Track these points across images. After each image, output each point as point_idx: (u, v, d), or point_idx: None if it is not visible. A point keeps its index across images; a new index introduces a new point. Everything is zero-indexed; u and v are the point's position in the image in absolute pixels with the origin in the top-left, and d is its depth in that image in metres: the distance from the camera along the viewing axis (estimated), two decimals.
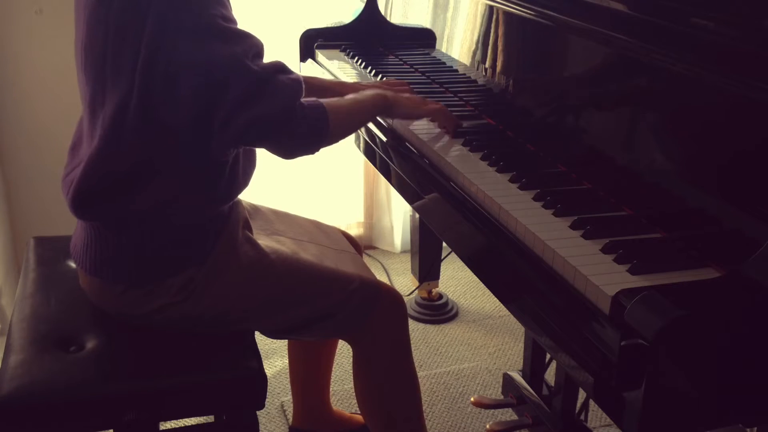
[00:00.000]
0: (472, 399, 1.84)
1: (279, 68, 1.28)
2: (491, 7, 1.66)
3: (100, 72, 1.27)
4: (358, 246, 1.76)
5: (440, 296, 2.59)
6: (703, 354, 0.89)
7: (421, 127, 1.56)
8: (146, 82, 1.23)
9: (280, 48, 2.49)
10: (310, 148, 1.36)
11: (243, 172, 1.40)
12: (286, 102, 1.28)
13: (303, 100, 1.31)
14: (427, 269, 2.50)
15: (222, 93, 1.23)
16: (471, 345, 2.39)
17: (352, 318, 1.50)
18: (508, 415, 2.04)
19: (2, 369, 1.29)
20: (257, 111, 1.25)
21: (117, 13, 1.23)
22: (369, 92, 1.48)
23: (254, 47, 1.26)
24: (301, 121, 1.30)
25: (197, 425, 1.68)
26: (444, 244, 2.46)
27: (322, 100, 1.35)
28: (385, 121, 1.65)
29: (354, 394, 1.64)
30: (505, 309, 1.93)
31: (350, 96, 1.47)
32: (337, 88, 1.69)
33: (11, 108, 2.34)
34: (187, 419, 1.76)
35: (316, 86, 1.67)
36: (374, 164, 1.75)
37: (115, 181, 1.31)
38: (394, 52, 2.07)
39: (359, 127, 1.46)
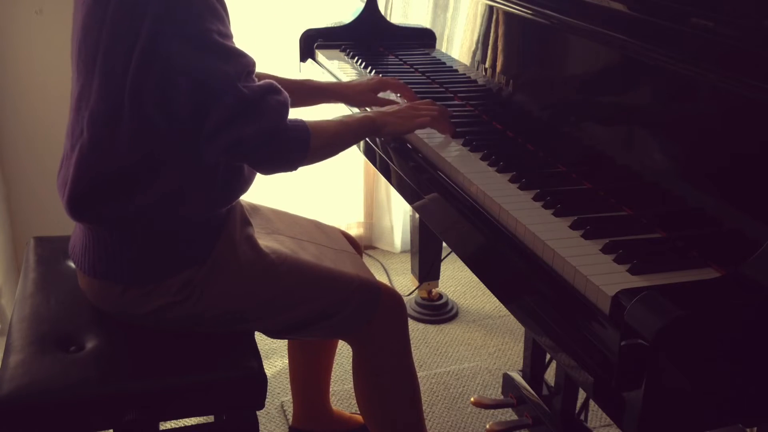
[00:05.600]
0: (472, 399, 1.84)
1: (268, 89, 1.29)
2: (491, 7, 1.66)
3: (91, 70, 1.28)
4: (358, 246, 1.76)
5: (440, 296, 2.59)
6: (703, 354, 0.89)
7: None
8: (138, 86, 1.23)
9: (280, 48, 2.49)
10: (289, 167, 1.37)
11: (247, 175, 1.40)
12: (271, 125, 1.29)
13: (288, 120, 1.32)
14: (427, 269, 2.50)
15: (209, 109, 1.24)
16: (471, 345, 2.39)
17: (352, 318, 1.50)
18: (508, 415, 2.04)
19: (2, 369, 1.29)
20: (241, 132, 1.26)
21: (113, 13, 1.23)
22: (357, 115, 1.49)
23: (246, 66, 1.27)
24: (283, 143, 1.32)
25: (197, 425, 1.68)
26: (444, 244, 2.46)
27: (308, 121, 1.36)
28: None
29: (354, 394, 1.64)
30: (505, 309, 1.93)
31: (338, 118, 1.48)
32: (334, 88, 1.69)
33: (11, 108, 2.34)
34: (187, 419, 1.76)
35: (313, 89, 1.67)
36: (374, 164, 1.75)
37: (109, 182, 1.31)
38: (394, 52, 2.07)
39: (343, 149, 1.47)
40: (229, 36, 1.27)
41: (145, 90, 1.24)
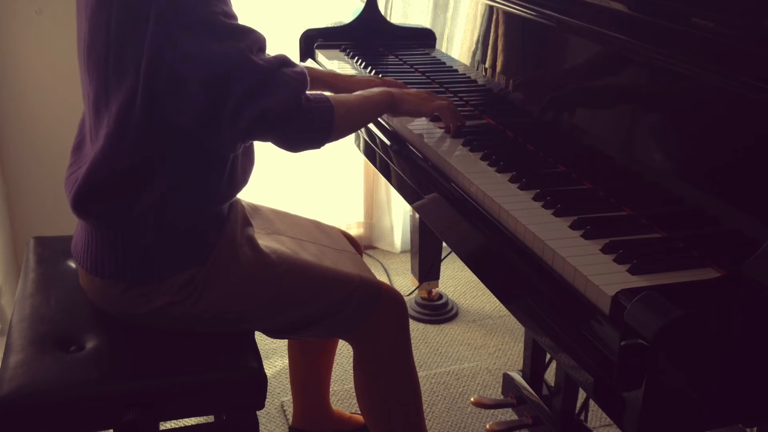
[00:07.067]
0: (472, 399, 1.84)
1: (283, 61, 1.29)
2: (491, 7, 1.66)
3: (103, 73, 1.27)
4: (358, 246, 1.76)
5: (440, 296, 2.59)
6: (703, 354, 0.89)
7: (421, 127, 1.56)
8: (151, 82, 1.23)
9: (280, 48, 2.48)
10: (317, 142, 1.36)
11: (242, 170, 1.40)
12: (292, 94, 1.28)
13: (309, 93, 1.32)
14: (427, 269, 2.50)
15: (228, 88, 1.24)
16: (471, 345, 2.39)
17: (352, 318, 1.50)
18: (508, 415, 2.04)
19: (2, 369, 1.29)
20: (264, 104, 1.25)
21: (118, 13, 1.23)
22: (376, 89, 1.49)
23: (257, 42, 1.27)
24: (307, 114, 1.31)
25: (197, 425, 1.68)
26: (444, 244, 2.46)
27: (329, 95, 1.36)
28: (385, 120, 1.65)
29: (354, 394, 1.64)
30: (505, 309, 1.94)
31: (357, 92, 1.48)
32: (332, 80, 1.69)
33: (11, 108, 2.34)
34: (187, 419, 1.76)
35: (314, 78, 1.67)
36: (374, 164, 1.75)
37: (115, 181, 1.31)
38: (394, 52, 2.07)
39: (365, 124, 1.46)
40: (233, 16, 1.27)
41: (158, 84, 1.23)
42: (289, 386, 1.99)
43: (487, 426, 1.75)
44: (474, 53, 1.75)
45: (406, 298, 1.65)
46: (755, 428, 1.41)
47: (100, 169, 1.30)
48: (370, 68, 1.94)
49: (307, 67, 1.67)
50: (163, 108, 1.25)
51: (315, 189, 2.80)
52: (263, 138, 1.34)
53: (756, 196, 1.01)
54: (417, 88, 1.74)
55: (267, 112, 1.26)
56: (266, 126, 1.28)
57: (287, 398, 2.09)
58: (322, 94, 1.35)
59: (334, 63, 2.02)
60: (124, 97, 1.25)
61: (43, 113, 2.36)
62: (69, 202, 1.35)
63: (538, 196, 1.25)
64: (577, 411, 1.71)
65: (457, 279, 2.77)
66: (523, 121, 1.54)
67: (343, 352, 2.21)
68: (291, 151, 1.37)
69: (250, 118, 1.26)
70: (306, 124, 1.32)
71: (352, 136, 1.74)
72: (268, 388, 1.86)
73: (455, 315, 2.55)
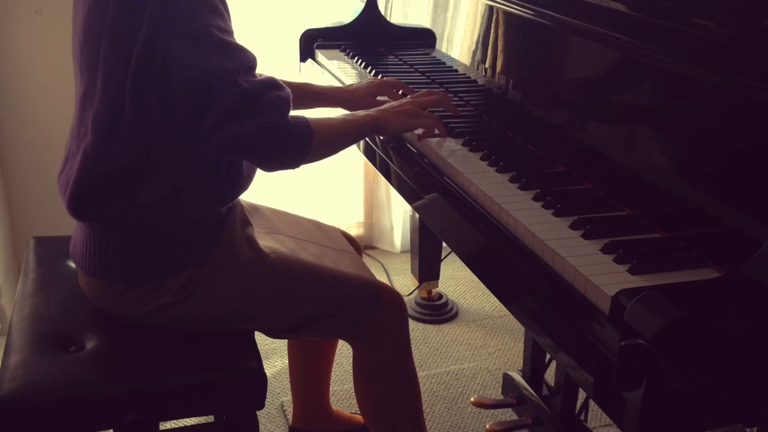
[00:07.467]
0: (472, 399, 1.84)
1: (269, 84, 1.28)
2: (491, 7, 1.66)
3: (93, 69, 1.28)
4: (358, 246, 1.76)
5: (440, 296, 2.59)
6: (703, 354, 0.89)
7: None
8: (138, 83, 1.23)
9: (280, 48, 2.50)
10: (291, 164, 1.36)
11: (247, 172, 1.40)
12: (272, 120, 1.28)
13: (290, 117, 1.32)
14: (427, 269, 2.50)
15: (210, 104, 1.24)
16: (471, 345, 2.39)
17: (352, 318, 1.50)
18: (508, 415, 2.04)
19: (2, 369, 1.29)
20: (241, 127, 1.25)
21: (113, 12, 1.23)
22: (359, 113, 1.48)
23: (247, 61, 1.26)
24: (284, 139, 1.31)
25: (197, 425, 1.68)
26: (444, 244, 2.46)
27: (310, 118, 1.35)
28: None
29: (354, 394, 1.64)
30: (505, 309, 1.93)
31: (339, 116, 1.48)
32: (335, 94, 1.68)
33: (11, 108, 2.34)
34: (187, 419, 1.76)
35: (312, 93, 1.67)
36: (374, 164, 1.75)
37: (111, 181, 1.31)
38: (394, 52, 2.07)
39: (345, 147, 1.46)
40: (229, 32, 1.26)
41: (145, 88, 1.24)
42: (289, 386, 1.99)
43: (487, 426, 1.75)
44: (474, 53, 1.75)
45: (406, 298, 1.65)
46: (755, 428, 1.41)
47: (93, 168, 1.30)
48: (370, 68, 1.94)
49: (307, 84, 1.67)
50: (150, 110, 1.25)
51: (315, 189, 2.80)
52: (237, 157, 1.35)
53: (756, 196, 1.01)
54: (417, 88, 1.74)
55: (242, 136, 1.26)
56: (241, 147, 1.29)
57: (287, 398, 2.09)
58: (303, 118, 1.34)
59: (334, 63, 2.02)
60: (111, 95, 1.26)
61: (43, 113, 2.36)
62: (64, 203, 1.35)
63: (538, 196, 1.25)
64: (577, 411, 1.71)
65: (457, 279, 2.77)
66: (523, 121, 1.54)
67: (343, 352, 2.21)
68: (264, 170, 1.38)
69: (225, 138, 1.26)
70: (281, 150, 1.32)
71: None
72: (268, 388, 1.86)
73: (455, 315, 2.55)
